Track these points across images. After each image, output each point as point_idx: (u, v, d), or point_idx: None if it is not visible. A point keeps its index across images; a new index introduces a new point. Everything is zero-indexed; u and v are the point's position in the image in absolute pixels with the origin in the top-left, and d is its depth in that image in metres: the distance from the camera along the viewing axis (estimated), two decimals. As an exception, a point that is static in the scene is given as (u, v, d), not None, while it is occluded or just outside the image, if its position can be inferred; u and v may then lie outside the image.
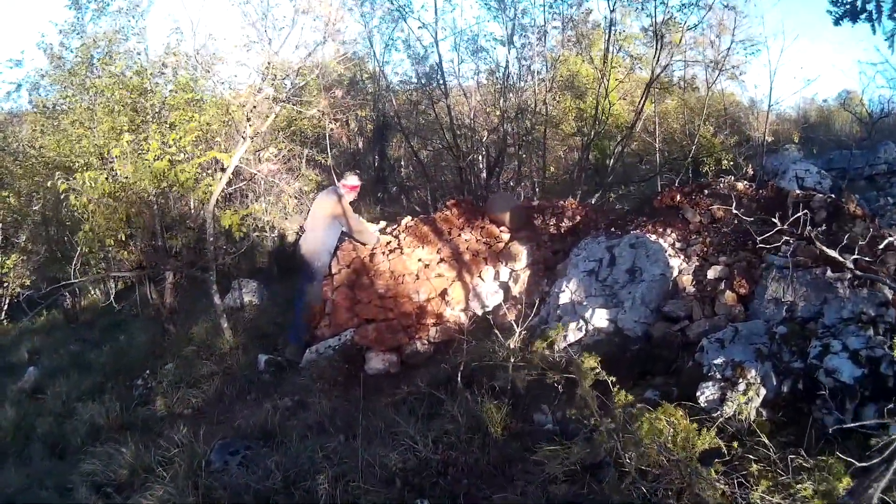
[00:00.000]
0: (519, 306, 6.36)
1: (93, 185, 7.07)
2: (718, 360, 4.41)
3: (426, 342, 6.43)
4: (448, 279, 6.63)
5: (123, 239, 7.53)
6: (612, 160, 10.13)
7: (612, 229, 6.37)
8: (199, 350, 7.22)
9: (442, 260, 6.70)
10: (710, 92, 11.73)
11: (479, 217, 7.08)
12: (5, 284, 10.73)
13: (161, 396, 6.38)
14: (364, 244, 6.90)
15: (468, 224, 6.98)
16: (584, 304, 5.70)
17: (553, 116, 10.58)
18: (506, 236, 6.89)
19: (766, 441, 3.73)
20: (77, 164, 8.11)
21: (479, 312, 6.58)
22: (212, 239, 7.25)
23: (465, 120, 10.53)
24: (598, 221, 6.86)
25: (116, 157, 7.37)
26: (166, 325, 7.95)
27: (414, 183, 12.58)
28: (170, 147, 7.47)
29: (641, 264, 5.72)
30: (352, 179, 7.24)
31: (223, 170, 7.46)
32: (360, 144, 12.65)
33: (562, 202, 7.42)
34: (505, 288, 6.67)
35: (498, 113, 10.00)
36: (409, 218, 7.32)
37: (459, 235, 6.85)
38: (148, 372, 7.00)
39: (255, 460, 4.44)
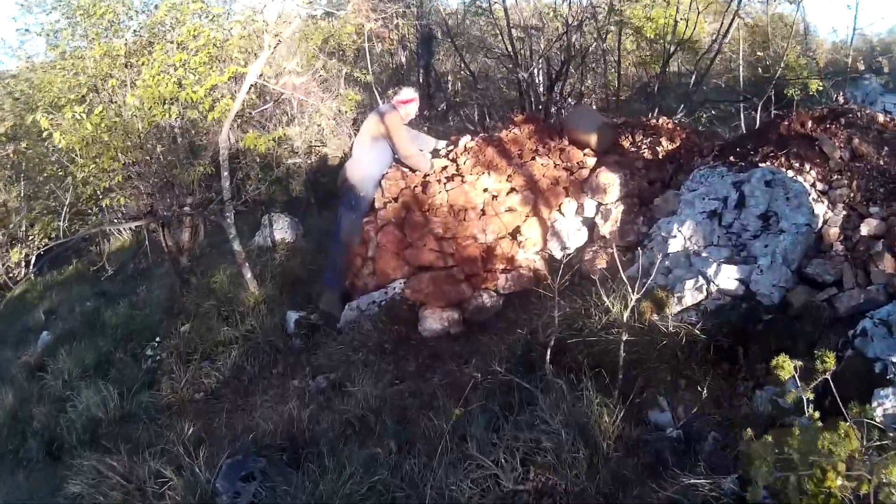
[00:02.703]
0: (609, 250, 4.71)
1: (80, 120, 5.45)
2: (896, 358, 2.82)
3: (493, 294, 4.86)
4: (521, 214, 4.98)
5: (120, 181, 5.94)
6: (700, 74, 8.10)
7: (734, 160, 4.59)
8: (219, 306, 5.74)
9: (513, 190, 5.01)
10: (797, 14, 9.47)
11: (554, 137, 5.33)
12: (30, 238, 9.27)
13: (168, 376, 4.95)
14: (415, 171, 5.23)
15: (543, 146, 5.25)
16: (704, 255, 4.02)
17: (627, 19, 8.52)
18: (590, 161, 5.14)
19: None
20: (65, 101, 6.46)
21: (559, 255, 4.95)
22: (226, 173, 5.61)
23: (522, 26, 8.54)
24: (703, 147, 5.08)
25: (113, 86, 5.76)
26: (185, 276, 6.50)
27: (463, 98, 10.69)
28: (177, 69, 5.81)
29: (779, 209, 3.98)
30: (405, 93, 5.53)
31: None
32: (404, 59, 10.78)
33: (654, 120, 5.61)
34: (590, 226, 5.00)
35: (562, 16, 8.00)
36: (469, 138, 5.58)
37: (534, 159, 5.13)
38: (158, 339, 5.59)
39: (275, 488, 2.97)
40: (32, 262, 9.70)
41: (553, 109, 8.21)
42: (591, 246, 4.86)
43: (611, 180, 4.89)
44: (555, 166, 5.10)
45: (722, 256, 3.93)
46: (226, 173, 5.57)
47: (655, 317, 3.84)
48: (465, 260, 4.81)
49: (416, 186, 5.04)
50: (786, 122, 4.76)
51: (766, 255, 3.77)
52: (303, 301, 5.69)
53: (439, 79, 10.94)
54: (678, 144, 5.19)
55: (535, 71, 8.37)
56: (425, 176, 5.12)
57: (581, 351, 3.57)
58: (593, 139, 5.11)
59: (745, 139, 4.98)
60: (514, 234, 4.96)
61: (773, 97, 8.41)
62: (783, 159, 4.38)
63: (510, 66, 7.88)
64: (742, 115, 8.17)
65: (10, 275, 7.56)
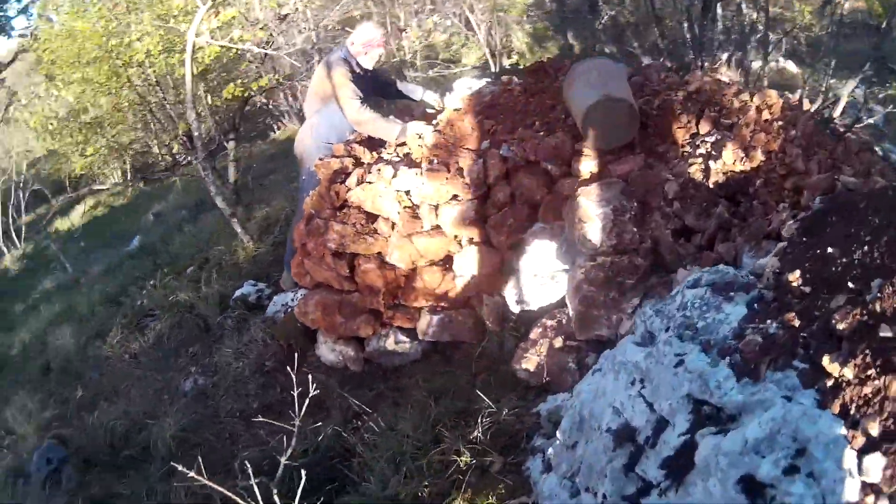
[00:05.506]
0: (557, 342, 2.59)
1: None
2: None
3: (406, 340, 3.04)
4: (450, 239, 2.95)
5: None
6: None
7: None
8: (220, 255, 4.86)
9: (454, 198, 2.94)
10: None
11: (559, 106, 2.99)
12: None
13: (119, 328, 4.39)
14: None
15: (540, 120, 2.96)
16: None
17: None
18: (587, 166, 2.77)
19: None
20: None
21: (516, 308, 2.87)
22: (197, 133, 4.61)
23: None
24: (817, 181, 2.30)
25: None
26: (233, 209, 5.72)
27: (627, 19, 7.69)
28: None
29: None
30: (359, 32, 3.61)
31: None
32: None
33: (746, 95, 2.86)
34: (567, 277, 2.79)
35: None
36: (488, 81, 3.51)
37: (497, 147, 2.91)
38: (152, 283, 4.86)
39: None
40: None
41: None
42: (550, 316, 2.69)
43: (591, 215, 2.55)
44: (527, 164, 2.86)
45: None
46: (196, 133, 4.63)
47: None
48: (367, 287, 3.03)
49: (339, 171, 3.24)
50: None
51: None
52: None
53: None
54: (764, 158, 2.54)
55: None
56: (357, 156, 3.28)
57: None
58: (587, 129, 2.71)
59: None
60: (446, 263, 2.98)
61: None
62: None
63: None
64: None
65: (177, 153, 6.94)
